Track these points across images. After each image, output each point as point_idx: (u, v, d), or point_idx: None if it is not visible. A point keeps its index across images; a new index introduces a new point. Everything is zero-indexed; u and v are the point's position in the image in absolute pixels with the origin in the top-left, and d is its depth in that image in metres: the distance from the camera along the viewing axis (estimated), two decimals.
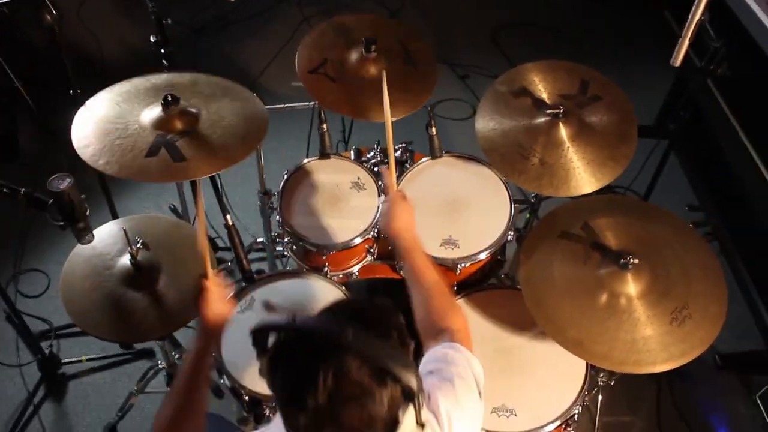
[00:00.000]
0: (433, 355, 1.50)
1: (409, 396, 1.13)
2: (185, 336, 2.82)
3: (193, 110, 2.09)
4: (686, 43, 2.05)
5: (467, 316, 2.20)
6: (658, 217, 2.16)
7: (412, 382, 1.12)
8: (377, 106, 2.07)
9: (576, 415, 2.04)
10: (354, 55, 2.34)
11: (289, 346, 1.13)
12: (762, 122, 2.63)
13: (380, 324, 1.17)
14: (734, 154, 2.71)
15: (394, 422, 1.12)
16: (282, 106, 2.36)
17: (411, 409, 1.14)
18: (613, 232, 2.09)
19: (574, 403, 2.02)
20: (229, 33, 4.33)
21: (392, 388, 1.10)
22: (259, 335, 1.17)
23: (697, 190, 3.45)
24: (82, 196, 1.79)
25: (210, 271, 1.71)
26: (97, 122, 2.00)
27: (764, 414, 2.64)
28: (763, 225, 2.92)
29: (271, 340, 1.16)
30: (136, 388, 2.59)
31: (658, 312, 1.93)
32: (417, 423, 1.16)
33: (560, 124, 2.20)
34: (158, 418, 1.56)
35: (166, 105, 2.02)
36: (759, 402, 2.62)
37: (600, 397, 2.50)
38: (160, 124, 2.00)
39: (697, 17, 2.00)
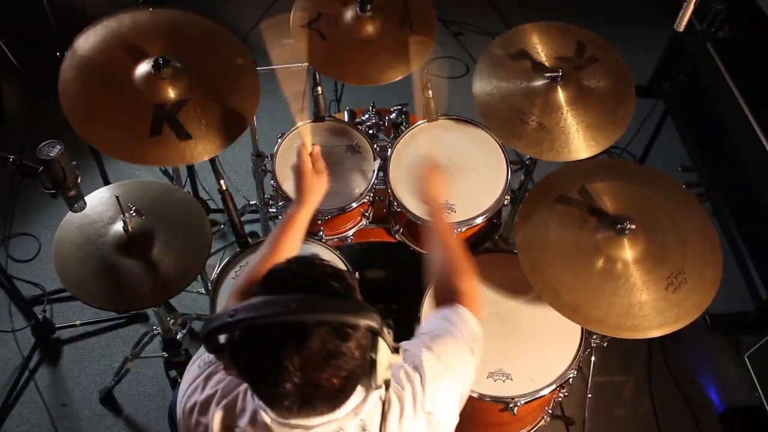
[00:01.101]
0: (432, 316, 1.54)
1: (374, 333, 1.13)
2: (180, 302, 2.83)
3: (183, 74, 2.05)
4: (691, 7, 2.01)
5: None
6: (654, 181, 2.15)
7: (372, 321, 1.11)
8: (365, 68, 2.19)
9: (571, 379, 2.06)
10: (349, 13, 2.27)
11: (243, 341, 1.11)
12: (759, 84, 2.61)
13: (317, 282, 1.15)
14: (730, 116, 2.70)
15: (371, 363, 1.13)
16: (275, 67, 2.30)
17: (382, 343, 1.14)
18: (609, 196, 2.08)
19: (570, 366, 2.05)
20: None
21: (356, 336, 1.10)
22: (207, 340, 1.15)
23: (691, 151, 3.44)
24: (73, 162, 1.76)
25: (308, 145, 1.74)
26: (86, 89, 1.96)
27: (752, 374, 2.68)
28: (756, 187, 2.93)
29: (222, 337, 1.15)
30: (131, 353, 2.59)
31: (654, 277, 1.93)
32: (391, 350, 1.16)
33: (558, 87, 2.17)
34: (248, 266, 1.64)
35: (157, 68, 1.97)
36: (747, 362, 2.65)
37: (593, 358, 2.52)
38: (153, 91, 1.97)
39: None
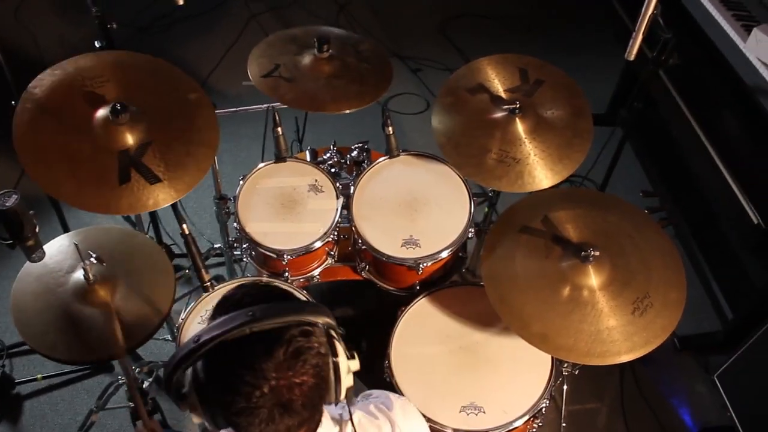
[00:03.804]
0: None
1: (333, 329, 1.20)
2: (146, 349, 2.77)
3: (141, 116, 2.03)
4: (640, 37, 2.06)
5: (431, 315, 2.20)
6: (616, 207, 2.18)
7: (328, 318, 1.19)
8: (337, 99, 2.24)
9: (543, 408, 2.05)
10: (306, 58, 2.32)
11: (210, 365, 1.14)
12: (711, 108, 2.67)
13: (269, 294, 1.22)
14: (685, 140, 2.75)
15: (335, 367, 1.19)
16: (235, 109, 2.30)
17: (338, 348, 1.20)
18: (572, 224, 2.10)
19: (542, 396, 2.03)
20: (176, 31, 4.23)
21: (316, 333, 1.17)
22: (171, 380, 1.18)
23: (651, 176, 3.50)
24: (31, 211, 1.72)
25: (145, 417, 1.69)
26: (49, 145, 1.93)
27: (722, 393, 2.70)
28: (715, 208, 2.99)
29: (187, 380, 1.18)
30: (96, 405, 2.51)
31: (620, 302, 1.94)
32: (347, 355, 1.22)
33: (517, 119, 2.21)
34: None
35: (115, 114, 1.96)
36: (717, 382, 2.67)
37: (565, 387, 2.51)
38: (114, 139, 1.95)
39: (650, 11, 2.01)
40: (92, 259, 1.94)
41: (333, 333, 1.20)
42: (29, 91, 2.00)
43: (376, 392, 1.47)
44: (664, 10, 2.06)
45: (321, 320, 1.17)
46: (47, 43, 3.95)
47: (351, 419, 1.28)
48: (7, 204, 1.67)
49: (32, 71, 2.03)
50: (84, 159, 1.94)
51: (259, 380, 1.09)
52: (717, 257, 3.03)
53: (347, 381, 1.21)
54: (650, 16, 2.03)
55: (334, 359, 1.18)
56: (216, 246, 3.02)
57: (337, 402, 1.23)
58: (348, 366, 1.22)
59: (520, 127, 2.21)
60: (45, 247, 1.86)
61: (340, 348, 1.20)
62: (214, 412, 1.16)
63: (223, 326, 1.12)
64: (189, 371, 1.17)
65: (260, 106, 2.28)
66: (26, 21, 3.98)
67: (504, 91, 2.29)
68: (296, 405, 1.14)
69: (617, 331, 1.90)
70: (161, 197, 1.95)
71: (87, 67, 2.08)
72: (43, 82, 2.02)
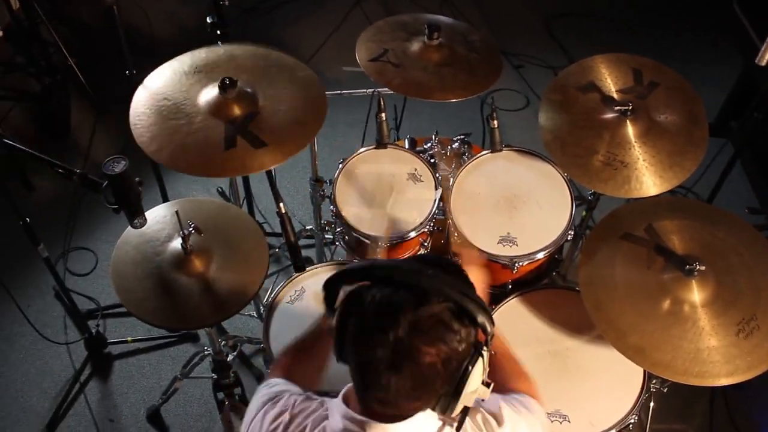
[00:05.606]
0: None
1: (486, 339, 1.16)
2: (231, 324, 2.82)
3: (249, 90, 2.05)
4: None
5: (521, 316, 2.15)
6: (724, 221, 2.07)
7: (487, 324, 1.15)
8: (444, 88, 2.22)
9: (631, 425, 1.97)
10: (415, 45, 2.31)
11: (368, 291, 1.15)
12: None
13: (454, 268, 1.23)
14: None
15: (465, 369, 1.14)
16: (340, 92, 2.30)
17: (479, 364, 1.15)
18: (678, 235, 2.01)
19: (631, 411, 1.96)
20: (280, 14, 4.29)
21: (468, 327, 1.13)
22: (331, 288, 1.23)
23: (759, 192, 3.33)
24: (136, 178, 1.77)
25: None
26: (158, 119, 1.97)
27: None
28: None
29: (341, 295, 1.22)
30: (180, 373, 2.58)
31: (724, 322, 1.85)
32: (482, 382, 1.18)
33: (628, 121, 2.12)
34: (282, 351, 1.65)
35: (223, 89, 1.98)
36: None
37: (652, 404, 2.43)
38: (222, 112, 1.97)
39: None
40: (191, 229, 1.98)
41: (484, 344, 1.16)
42: (145, 85, 2.06)
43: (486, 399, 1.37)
44: None
45: (480, 319, 1.13)
46: (158, 18, 4.07)
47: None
48: (116, 170, 1.71)
49: (144, 44, 2.07)
50: (193, 134, 1.96)
51: (390, 326, 1.09)
52: None
53: (466, 400, 1.16)
54: None
55: (469, 366, 1.14)
56: (307, 228, 3.04)
57: (443, 414, 1.18)
58: (478, 387, 1.17)
59: (630, 129, 2.12)
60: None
61: (480, 364, 1.15)
62: (343, 336, 1.18)
63: (400, 264, 1.18)
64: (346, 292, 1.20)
65: (365, 90, 2.26)
66: None
67: (616, 91, 2.21)
68: (404, 371, 1.11)
69: (718, 352, 1.81)
70: (267, 160, 1.93)
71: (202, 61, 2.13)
72: (158, 76, 2.08)
